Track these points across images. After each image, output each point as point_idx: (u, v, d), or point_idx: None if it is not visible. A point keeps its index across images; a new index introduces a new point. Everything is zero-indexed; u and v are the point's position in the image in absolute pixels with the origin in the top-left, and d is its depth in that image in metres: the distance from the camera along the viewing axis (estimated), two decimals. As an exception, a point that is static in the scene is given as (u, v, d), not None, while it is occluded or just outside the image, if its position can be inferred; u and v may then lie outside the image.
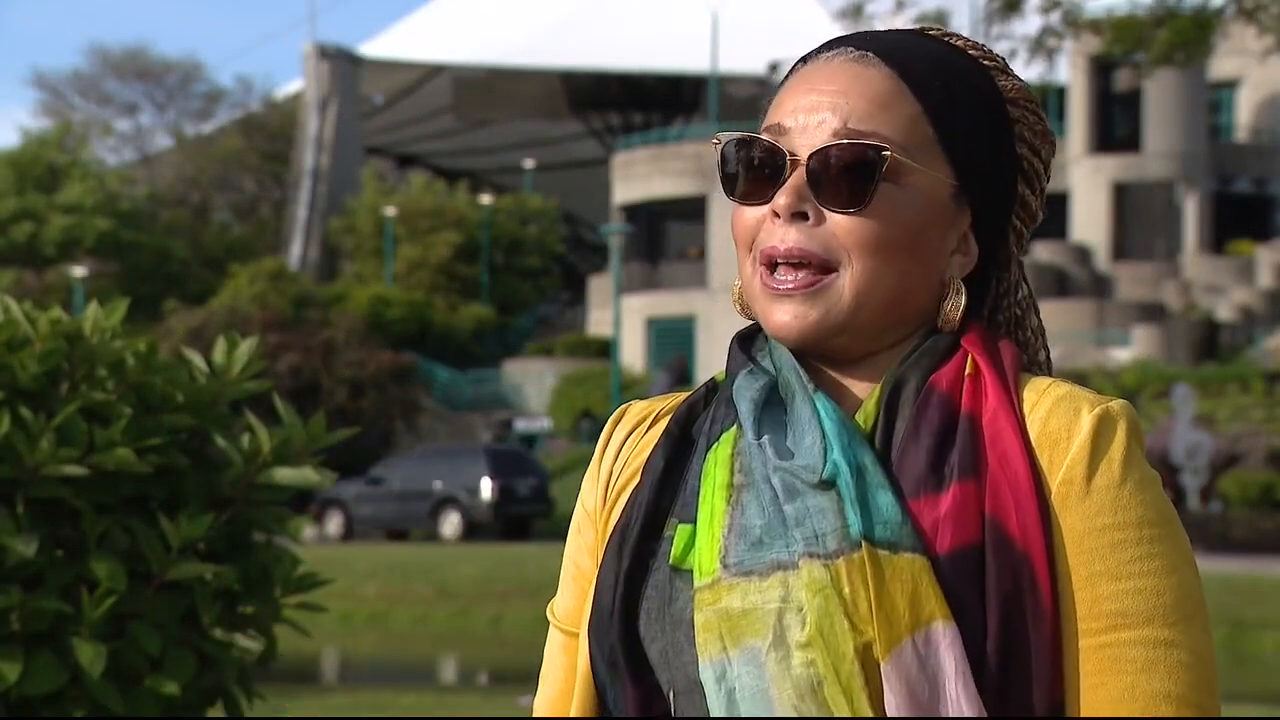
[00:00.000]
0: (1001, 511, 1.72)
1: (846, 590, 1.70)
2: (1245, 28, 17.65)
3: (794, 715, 1.70)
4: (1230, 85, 61.69)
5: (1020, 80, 1.90)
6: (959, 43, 1.89)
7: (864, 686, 1.69)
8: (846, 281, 1.79)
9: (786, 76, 1.89)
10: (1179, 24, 15.82)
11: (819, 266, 1.79)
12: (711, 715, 1.73)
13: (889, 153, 1.78)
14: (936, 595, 1.69)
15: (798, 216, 1.80)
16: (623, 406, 1.98)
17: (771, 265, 1.81)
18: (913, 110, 1.81)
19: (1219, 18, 16.36)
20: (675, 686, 1.77)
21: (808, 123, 1.81)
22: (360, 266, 65.17)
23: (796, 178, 1.80)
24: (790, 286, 1.80)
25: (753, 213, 1.83)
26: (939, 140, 1.82)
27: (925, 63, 1.84)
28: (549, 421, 53.44)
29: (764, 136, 1.84)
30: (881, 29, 1.94)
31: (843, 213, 1.79)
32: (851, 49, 1.84)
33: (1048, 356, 1.94)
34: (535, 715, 1.93)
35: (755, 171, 1.83)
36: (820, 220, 1.79)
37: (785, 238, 1.80)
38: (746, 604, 1.73)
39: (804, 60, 1.88)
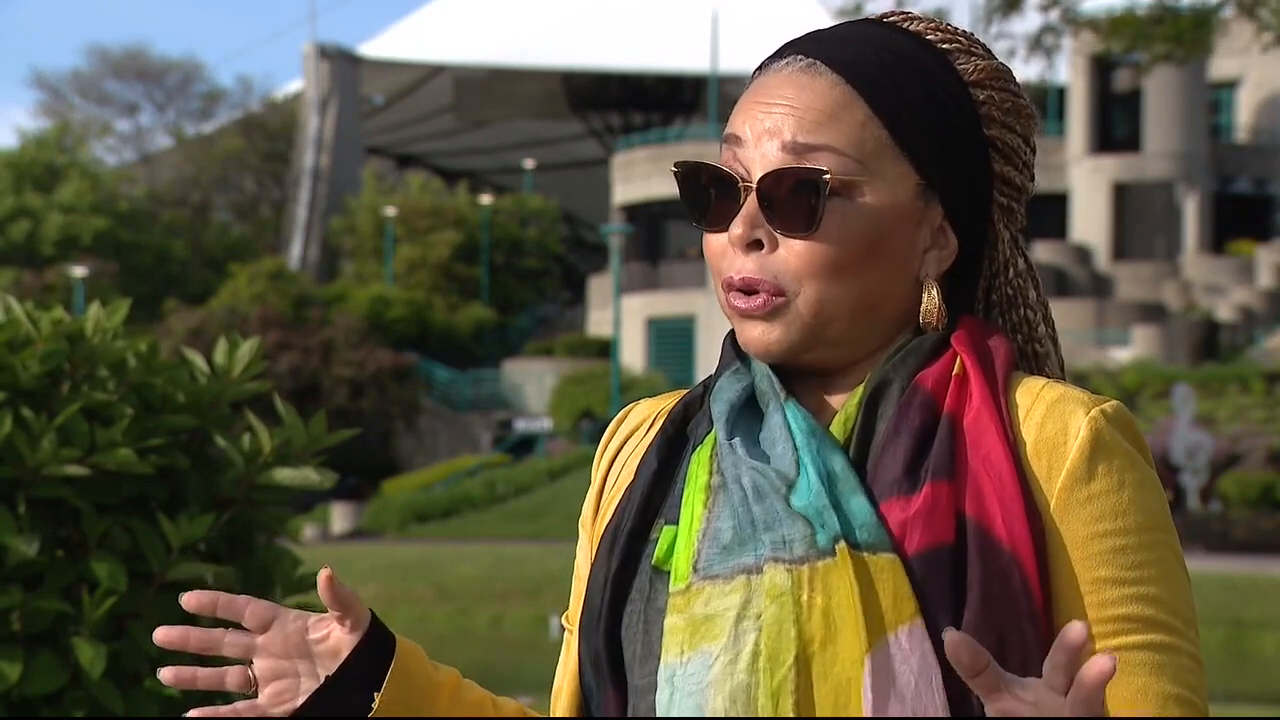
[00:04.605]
0: (985, 513, 1.71)
1: (804, 597, 1.69)
2: (1245, 27, 17.65)
3: (722, 717, 1.69)
4: (1230, 85, 61.72)
5: (985, 58, 1.84)
6: (917, 27, 1.84)
7: (792, 693, 1.68)
8: (802, 304, 1.77)
9: (748, 83, 1.87)
10: (1178, 23, 15.82)
11: (773, 292, 1.78)
12: (656, 715, 1.73)
13: (829, 176, 1.75)
14: (912, 595, 1.69)
15: (753, 245, 1.79)
16: (628, 407, 1.98)
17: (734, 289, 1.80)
18: (862, 116, 1.78)
19: (1218, 15, 16.35)
20: (639, 688, 1.77)
21: (760, 139, 1.80)
22: (360, 266, 65.18)
23: (749, 205, 1.79)
24: (749, 306, 1.78)
25: (718, 239, 1.82)
26: (894, 141, 1.79)
27: (874, 62, 1.80)
28: (549, 422, 53.43)
29: (714, 164, 1.82)
30: (834, 25, 1.90)
31: (795, 237, 1.77)
32: (801, 57, 1.82)
33: (1050, 331, 1.91)
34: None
35: (713, 198, 1.82)
36: (774, 246, 1.78)
37: (741, 268, 1.79)
38: (710, 609, 1.72)
39: (760, 69, 1.86)
